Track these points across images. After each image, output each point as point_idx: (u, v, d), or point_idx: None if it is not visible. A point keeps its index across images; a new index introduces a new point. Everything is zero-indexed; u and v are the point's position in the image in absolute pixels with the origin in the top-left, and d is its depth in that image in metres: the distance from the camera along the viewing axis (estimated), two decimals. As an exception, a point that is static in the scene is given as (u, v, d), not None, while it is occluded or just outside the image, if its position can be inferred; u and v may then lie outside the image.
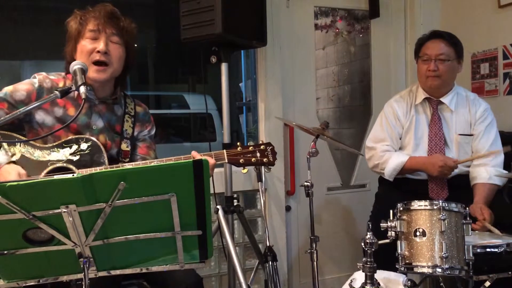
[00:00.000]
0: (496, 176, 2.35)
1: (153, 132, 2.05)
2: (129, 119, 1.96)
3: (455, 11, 3.37)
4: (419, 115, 2.56)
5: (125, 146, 1.92)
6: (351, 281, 1.93)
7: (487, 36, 3.11)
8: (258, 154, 1.91)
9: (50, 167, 1.75)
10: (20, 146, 1.76)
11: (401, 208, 1.87)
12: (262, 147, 1.92)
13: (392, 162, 2.48)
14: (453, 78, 2.52)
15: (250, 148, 1.91)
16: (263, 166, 1.99)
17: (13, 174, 1.64)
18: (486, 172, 2.37)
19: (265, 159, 1.92)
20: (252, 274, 2.83)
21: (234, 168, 2.50)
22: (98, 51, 1.77)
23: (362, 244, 1.76)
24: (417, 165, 2.45)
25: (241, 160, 1.89)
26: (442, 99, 2.52)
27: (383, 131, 2.58)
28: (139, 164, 1.82)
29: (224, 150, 1.88)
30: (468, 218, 1.84)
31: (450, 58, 2.44)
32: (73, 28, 1.82)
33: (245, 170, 1.96)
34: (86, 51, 1.78)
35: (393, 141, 2.56)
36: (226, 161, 1.87)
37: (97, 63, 1.78)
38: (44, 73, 1.85)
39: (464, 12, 3.28)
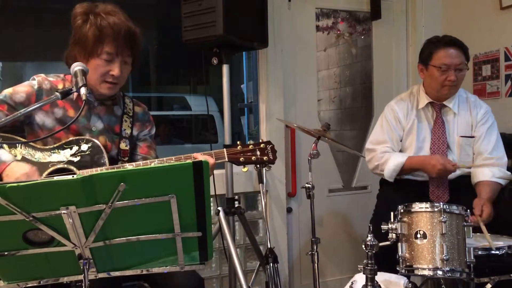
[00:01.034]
0: (499, 177, 2.35)
1: (153, 131, 2.05)
2: (127, 119, 1.96)
3: (456, 13, 3.36)
4: (421, 118, 2.54)
5: (123, 146, 1.92)
6: (352, 283, 1.92)
7: (489, 38, 3.10)
8: (258, 153, 1.91)
9: (51, 169, 1.75)
10: (21, 148, 1.76)
11: (402, 210, 1.87)
12: (262, 145, 1.92)
13: (391, 162, 2.47)
14: None
15: (250, 146, 1.91)
16: (263, 166, 1.99)
17: (25, 169, 1.66)
18: (490, 171, 2.36)
19: (265, 157, 1.91)
20: (253, 275, 2.82)
21: (235, 169, 2.51)
22: (112, 75, 1.78)
23: (363, 246, 1.75)
24: (416, 164, 2.44)
25: (241, 159, 1.89)
26: (445, 103, 2.50)
27: (383, 133, 2.57)
28: (139, 164, 1.82)
29: (224, 149, 1.88)
30: (469, 221, 1.84)
31: (466, 66, 2.44)
32: (89, 39, 1.75)
33: (245, 169, 1.95)
34: (100, 72, 1.77)
35: (394, 143, 2.55)
36: (226, 159, 1.87)
37: (108, 83, 1.81)
38: (43, 75, 1.85)
39: (466, 14, 3.28)
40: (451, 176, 2.43)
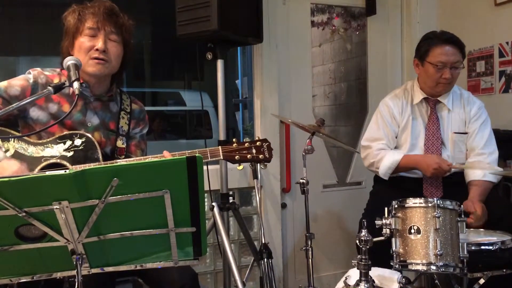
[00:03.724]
0: (491, 174, 2.36)
1: (145, 131, 2.04)
2: (125, 116, 1.95)
3: (451, 9, 3.36)
4: (416, 114, 2.55)
5: (120, 143, 1.90)
6: (346, 278, 1.93)
7: (483, 34, 3.11)
8: (254, 151, 1.90)
9: (44, 163, 1.74)
10: (14, 142, 1.75)
11: (396, 206, 1.88)
12: (258, 143, 1.91)
13: (386, 160, 2.47)
14: None
15: (246, 144, 1.90)
16: (259, 164, 1.97)
17: (13, 168, 1.64)
18: (481, 170, 2.37)
19: (261, 155, 1.90)
20: (248, 271, 2.82)
21: (229, 165, 2.50)
22: (97, 49, 1.76)
23: (357, 241, 1.76)
24: (411, 163, 2.44)
25: (236, 157, 1.88)
26: (440, 99, 2.51)
27: (378, 130, 2.57)
28: (132, 160, 1.81)
29: (220, 147, 1.87)
30: (462, 216, 1.84)
31: (461, 64, 2.45)
32: (71, 24, 1.80)
33: (240, 167, 1.95)
34: (84, 48, 1.77)
35: (389, 140, 2.55)
36: (221, 157, 1.86)
37: (95, 59, 1.78)
38: (39, 69, 1.84)
39: (461, 10, 3.28)
40: (445, 173, 2.44)
